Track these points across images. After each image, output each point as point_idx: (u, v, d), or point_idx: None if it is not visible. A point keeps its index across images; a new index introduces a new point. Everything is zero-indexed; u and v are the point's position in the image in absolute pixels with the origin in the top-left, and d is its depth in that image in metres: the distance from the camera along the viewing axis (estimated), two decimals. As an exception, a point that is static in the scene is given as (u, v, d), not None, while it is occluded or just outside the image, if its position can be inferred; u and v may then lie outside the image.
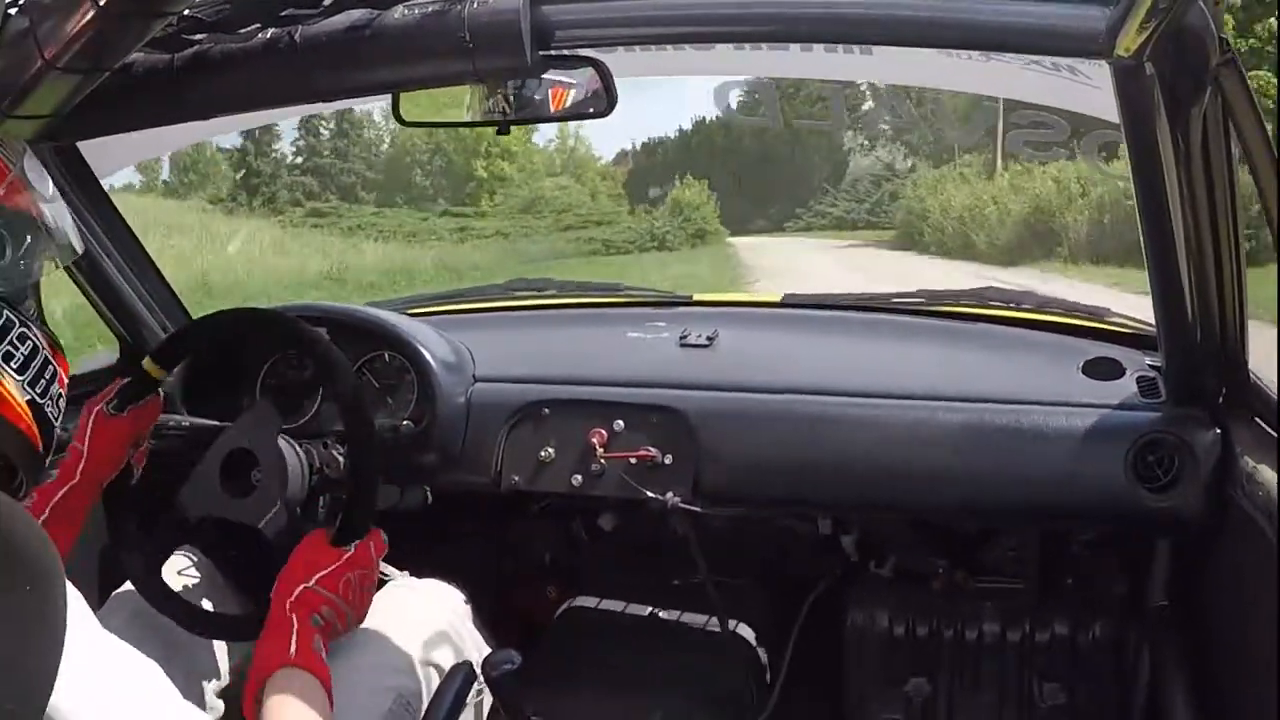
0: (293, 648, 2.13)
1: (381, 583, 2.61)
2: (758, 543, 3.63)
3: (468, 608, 2.88)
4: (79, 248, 1.96)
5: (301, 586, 2.26)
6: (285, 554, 2.34)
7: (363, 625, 2.45)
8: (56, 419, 1.84)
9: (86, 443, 2.48)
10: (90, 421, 2.50)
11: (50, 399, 1.82)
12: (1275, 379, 2.59)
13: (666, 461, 3.04)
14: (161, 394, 2.67)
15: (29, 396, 1.77)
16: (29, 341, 1.77)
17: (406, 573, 2.88)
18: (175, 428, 2.71)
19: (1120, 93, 2.14)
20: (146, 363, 2.56)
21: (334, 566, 2.31)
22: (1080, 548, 3.36)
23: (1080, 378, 3.02)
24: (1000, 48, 2.24)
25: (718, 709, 3.20)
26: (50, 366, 1.82)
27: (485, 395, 3.20)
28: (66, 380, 1.88)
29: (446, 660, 2.67)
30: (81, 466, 2.46)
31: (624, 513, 3.55)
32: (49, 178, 1.87)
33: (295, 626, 2.17)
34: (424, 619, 2.74)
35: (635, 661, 3.32)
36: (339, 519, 2.46)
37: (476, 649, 2.78)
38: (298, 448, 2.68)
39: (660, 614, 3.53)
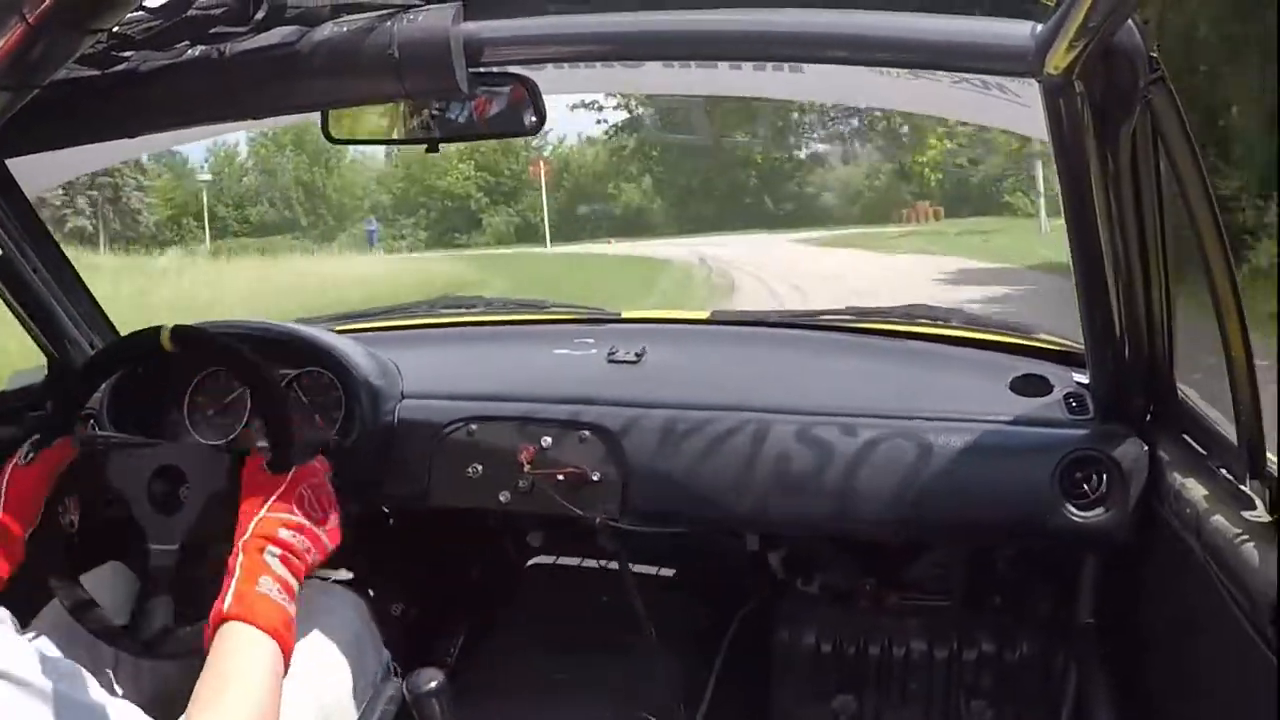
0: (228, 601, 2.11)
1: None
2: (686, 560, 3.63)
3: (368, 610, 2.90)
4: None
5: (255, 518, 2.25)
6: (217, 569, 2.31)
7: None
8: None
9: (2, 503, 2.44)
10: (5, 482, 2.46)
11: None
12: (1199, 397, 2.62)
13: (595, 478, 3.02)
14: (80, 427, 2.65)
15: None
16: None
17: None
18: (103, 443, 2.68)
19: (1049, 111, 2.15)
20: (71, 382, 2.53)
21: (283, 488, 2.32)
22: (1007, 565, 3.37)
23: (1008, 394, 3.02)
24: (930, 65, 2.26)
25: None
26: None
27: (413, 412, 3.18)
28: None
29: (362, 666, 2.69)
30: (7, 529, 2.42)
31: (553, 530, 3.54)
32: None
33: (236, 575, 2.15)
34: (337, 623, 2.74)
35: (562, 677, 3.32)
36: (269, 449, 2.46)
37: (377, 650, 2.81)
38: (224, 462, 2.66)
39: (588, 629, 3.52)
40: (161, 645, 2.51)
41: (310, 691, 2.52)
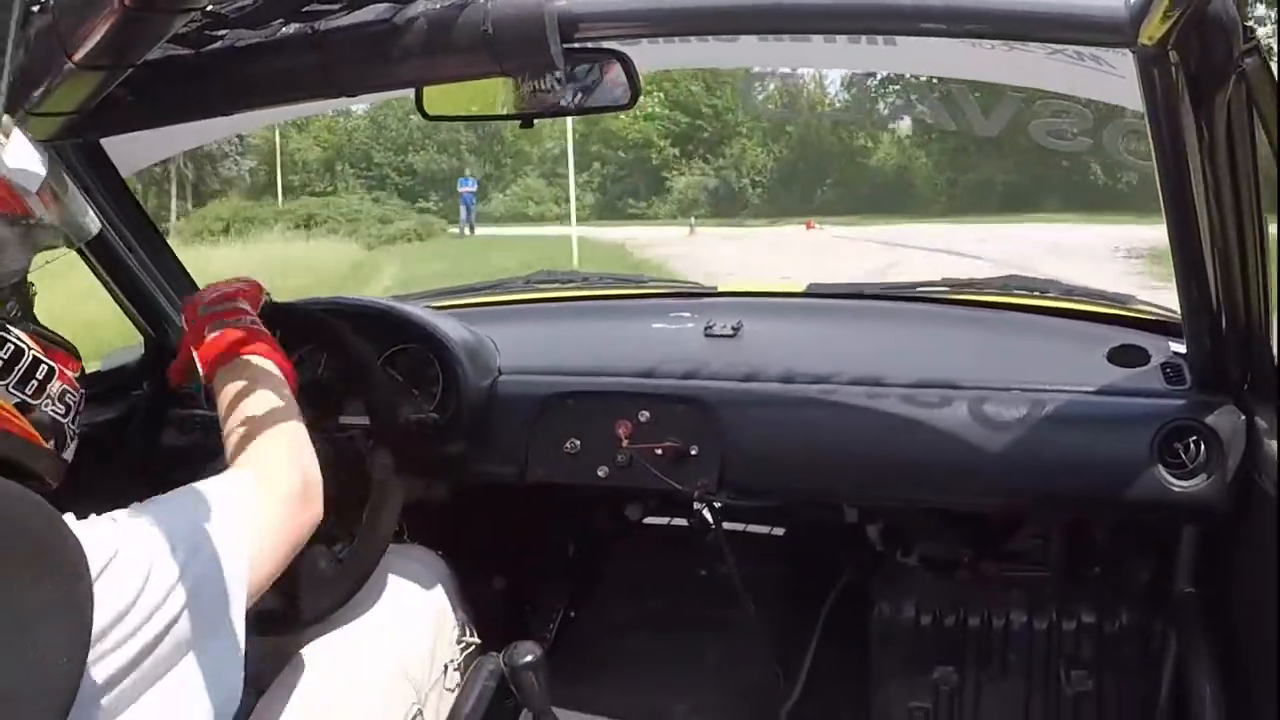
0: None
1: None
2: (784, 532, 3.64)
3: (448, 573, 2.95)
4: (92, 229, 1.97)
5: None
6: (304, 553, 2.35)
7: (365, 599, 2.55)
8: (64, 415, 1.83)
9: None
10: None
11: (49, 397, 1.81)
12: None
13: (693, 452, 3.04)
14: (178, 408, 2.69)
15: (16, 399, 1.76)
16: (6, 345, 1.75)
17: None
18: (200, 421, 2.71)
19: (1143, 82, 2.14)
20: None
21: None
22: (1106, 535, 3.36)
23: (1105, 364, 3.01)
24: (1023, 37, 2.24)
25: (743, 699, 3.21)
26: (42, 365, 1.80)
27: (510, 387, 3.21)
28: (74, 375, 1.87)
29: (440, 629, 2.76)
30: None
31: (649, 504, 3.55)
32: (39, 166, 1.84)
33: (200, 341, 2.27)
34: (417, 588, 2.81)
35: (660, 652, 3.33)
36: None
37: (457, 614, 2.87)
38: (321, 442, 2.69)
39: (684, 603, 3.54)
40: (273, 625, 2.56)
41: (390, 653, 2.59)
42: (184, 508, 1.80)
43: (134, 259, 3.26)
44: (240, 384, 2.18)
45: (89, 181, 3.04)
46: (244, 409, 2.13)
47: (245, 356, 2.22)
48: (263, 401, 2.15)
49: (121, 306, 3.35)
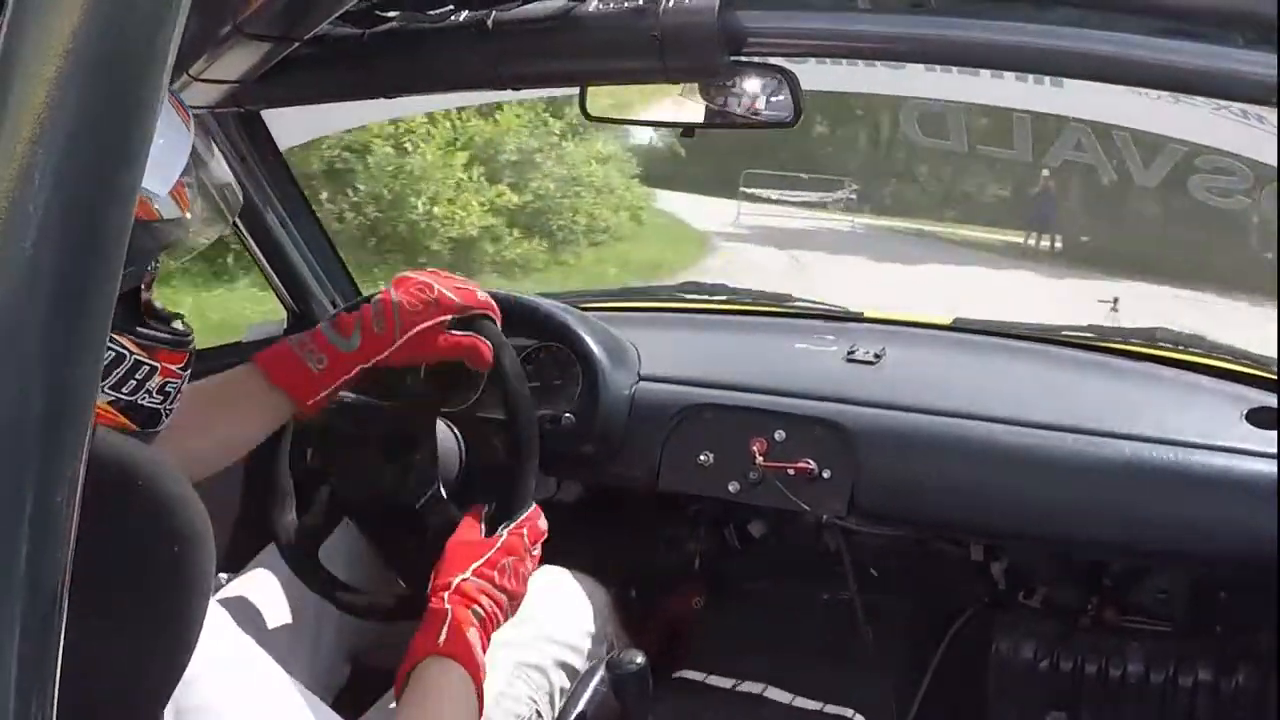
0: (443, 636, 2.14)
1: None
2: (907, 563, 3.64)
3: (610, 606, 2.95)
4: (229, 220, 1.93)
5: (459, 578, 2.26)
6: (439, 537, 2.39)
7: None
8: (163, 402, 1.83)
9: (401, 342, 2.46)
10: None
11: (147, 391, 1.80)
12: None
13: (825, 475, 3.04)
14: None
15: (111, 398, 1.76)
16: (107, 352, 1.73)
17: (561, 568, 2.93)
18: (339, 403, 2.77)
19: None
20: None
21: (489, 555, 2.31)
22: (1231, 595, 3.33)
23: (1243, 425, 2.99)
24: (1187, 90, 2.24)
25: (855, 717, 3.22)
26: (143, 366, 1.79)
27: (649, 394, 3.23)
28: (178, 366, 1.85)
29: (586, 657, 2.74)
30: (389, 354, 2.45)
31: (775, 522, 3.57)
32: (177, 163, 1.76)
33: (449, 617, 2.18)
34: (571, 614, 2.81)
35: (771, 675, 3.35)
36: (493, 505, 2.49)
37: (616, 648, 2.82)
38: (457, 431, 2.74)
39: (802, 625, 3.55)
40: (390, 609, 2.62)
41: (539, 686, 2.61)
42: None
43: (285, 233, 3.33)
44: (460, 696, 2.14)
45: (245, 151, 3.11)
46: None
47: (441, 667, 2.16)
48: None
49: (268, 279, 3.43)
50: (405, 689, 2.12)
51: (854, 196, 27.74)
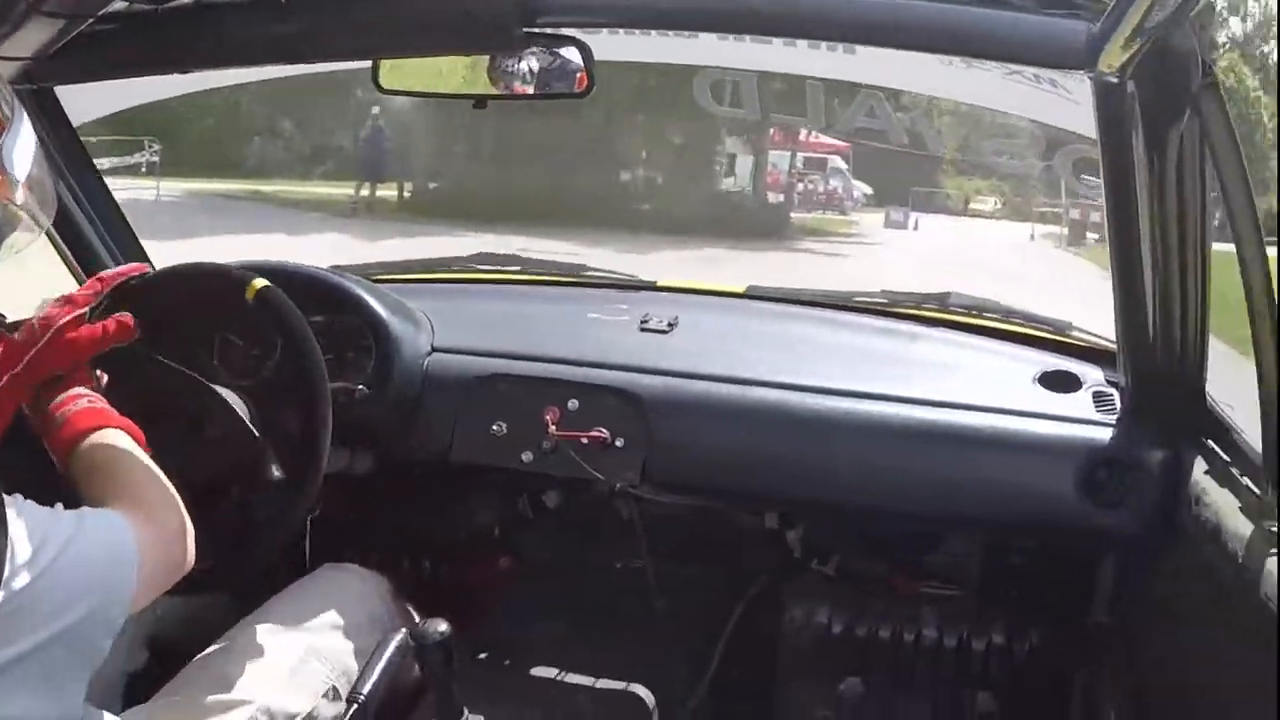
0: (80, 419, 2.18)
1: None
2: (702, 532, 3.63)
3: (390, 588, 2.93)
4: (45, 223, 1.88)
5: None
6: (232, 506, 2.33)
7: (296, 609, 2.56)
8: None
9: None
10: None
11: None
12: (1228, 403, 2.61)
13: (618, 444, 3.04)
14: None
15: None
16: None
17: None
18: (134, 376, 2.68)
19: (1099, 109, 2.15)
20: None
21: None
22: (1024, 559, 3.37)
23: (1036, 388, 3.03)
24: (984, 55, 2.25)
25: (648, 694, 3.20)
26: None
27: (442, 365, 3.19)
28: None
29: (375, 639, 2.69)
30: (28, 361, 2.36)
31: (570, 492, 3.54)
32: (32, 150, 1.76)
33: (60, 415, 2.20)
34: (354, 602, 2.79)
35: (569, 642, 3.32)
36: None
37: (395, 625, 2.77)
38: (248, 403, 2.67)
39: (598, 595, 3.52)
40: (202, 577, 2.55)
41: (334, 666, 2.60)
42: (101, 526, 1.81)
43: (78, 208, 3.24)
44: (101, 460, 2.15)
45: (40, 130, 3.01)
46: (113, 480, 2.09)
47: (94, 438, 2.18)
48: (128, 465, 2.13)
49: (61, 256, 3.31)
50: (77, 470, 2.12)
51: (156, 159, 26.28)
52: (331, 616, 2.70)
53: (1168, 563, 2.73)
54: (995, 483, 2.88)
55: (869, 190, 38.41)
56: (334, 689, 2.58)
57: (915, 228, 29.65)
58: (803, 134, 31.82)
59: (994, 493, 2.89)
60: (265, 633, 2.56)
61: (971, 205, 37.48)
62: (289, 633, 2.55)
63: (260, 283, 2.67)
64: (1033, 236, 29.10)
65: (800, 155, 34.99)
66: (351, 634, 2.71)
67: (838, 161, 35.24)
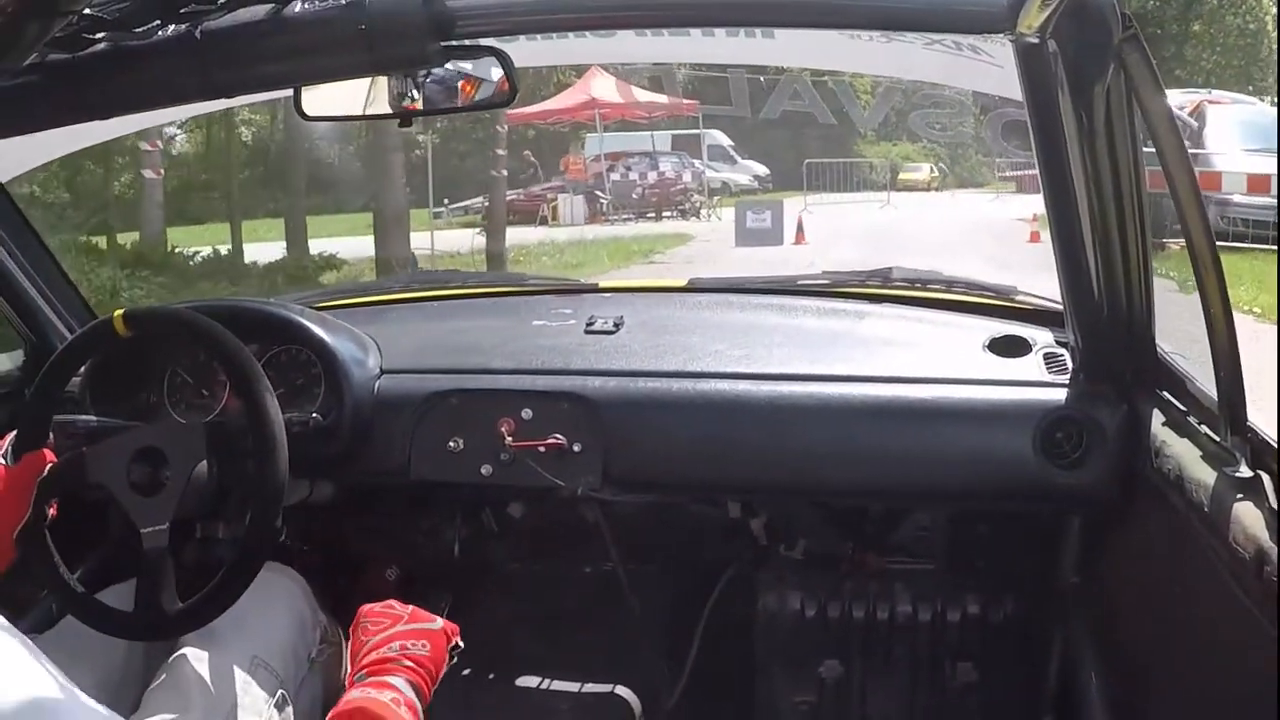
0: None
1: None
2: (667, 528, 3.62)
3: (305, 585, 2.90)
4: None
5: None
6: (194, 550, 2.31)
7: (234, 616, 2.51)
8: None
9: None
10: None
11: None
12: (1178, 354, 2.61)
13: (575, 449, 3.02)
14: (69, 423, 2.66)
15: None
16: None
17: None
18: (83, 428, 2.66)
19: (1023, 70, 2.15)
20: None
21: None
22: (991, 527, 3.37)
23: (986, 355, 3.04)
24: (903, 27, 2.25)
25: (627, 695, 3.19)
26: None
27: (392, 387, 3.17)
28: None
29: (303, 637, 2.74)
30: None
31: (533, 501, 3.53)
32: None
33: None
34: (285, 600, 2.79)
35: (544, 650, 3.32)
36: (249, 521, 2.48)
37: (316, 622, 2.83)
38: (203, 443, 2.65)
39: (570, 600, 3.52)
40: (171, 625, 2.52)
41: (247, 648, 2.58)
42: None
43: (14, 264, 3.21)
44: None
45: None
46: None
47: None
48: None
49: (8, 319, 3.28)
50: None
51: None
52: (268, 620, 2.68)
53: (1133, 517, 2.74)
54: (955, 453, 2.88)
55: (761, 171, 37.02)
56: (283, 695, 2.57)
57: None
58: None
59: (954, 463, 2.89)
60: (210, 651, 2.53)
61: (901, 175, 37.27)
62: (232, 645, 2.53)
63: (122, 311, 2.65)
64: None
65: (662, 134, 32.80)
66: (290, 634, 2.70)
67: (718, 137, 33.29)
